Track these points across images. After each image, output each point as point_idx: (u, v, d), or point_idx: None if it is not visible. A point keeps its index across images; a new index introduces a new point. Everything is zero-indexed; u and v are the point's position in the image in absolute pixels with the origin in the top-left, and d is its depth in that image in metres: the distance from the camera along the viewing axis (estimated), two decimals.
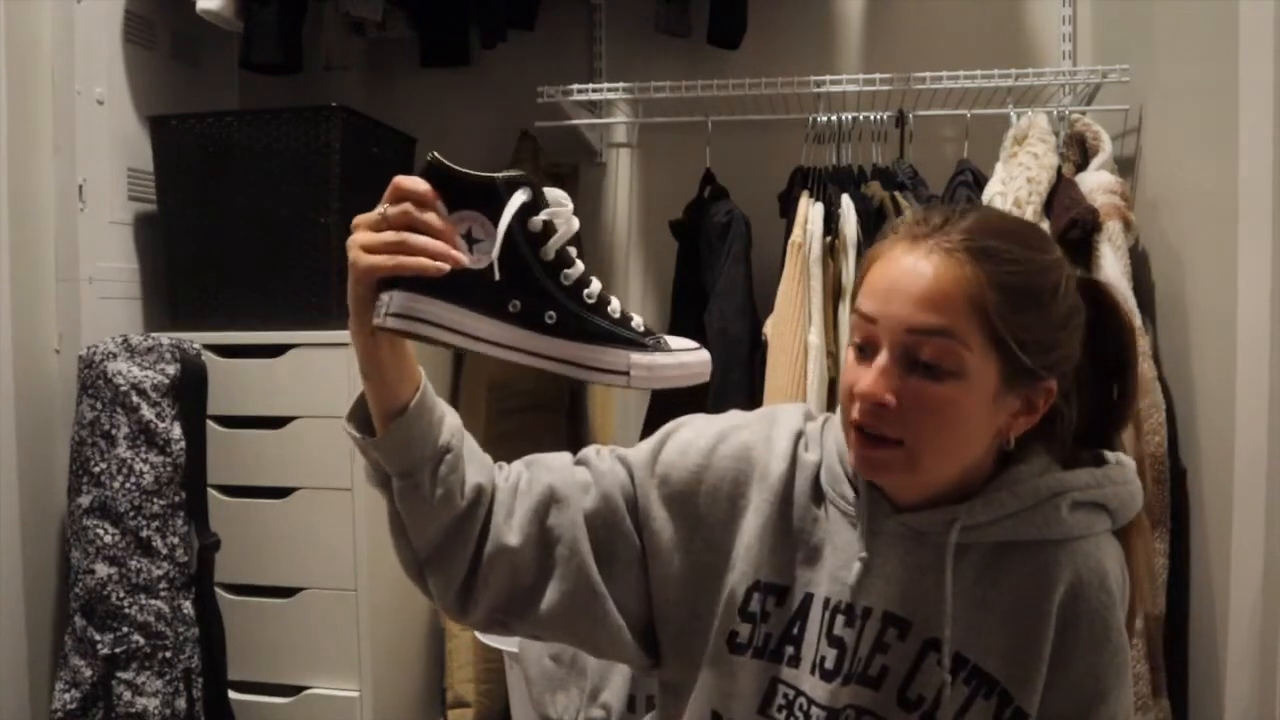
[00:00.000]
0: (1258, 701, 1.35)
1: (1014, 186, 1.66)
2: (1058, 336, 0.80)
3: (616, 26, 2.16)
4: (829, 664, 0.84)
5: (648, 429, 1.92)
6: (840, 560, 0.85)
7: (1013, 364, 0.78)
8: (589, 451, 0.93)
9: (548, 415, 2.07)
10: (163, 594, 1.63)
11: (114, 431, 1.62)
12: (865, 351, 0.81)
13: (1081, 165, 1.80)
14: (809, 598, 0.86)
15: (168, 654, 1.62)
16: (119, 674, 1.60)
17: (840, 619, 0.84)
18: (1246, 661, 1.36)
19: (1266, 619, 1.33)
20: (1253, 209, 1.36)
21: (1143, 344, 1.58)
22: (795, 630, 0.86)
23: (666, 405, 1.93)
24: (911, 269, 0.78)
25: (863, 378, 0.79)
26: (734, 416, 0.94)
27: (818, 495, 0.89)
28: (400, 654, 1.91)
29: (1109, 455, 0.88)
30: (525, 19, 2.11)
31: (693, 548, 0.88)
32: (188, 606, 1.66)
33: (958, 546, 0.82)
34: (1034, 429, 0.83)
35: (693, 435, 0.91)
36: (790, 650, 0.86)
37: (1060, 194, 1.67)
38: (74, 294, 1.72)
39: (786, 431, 0.91)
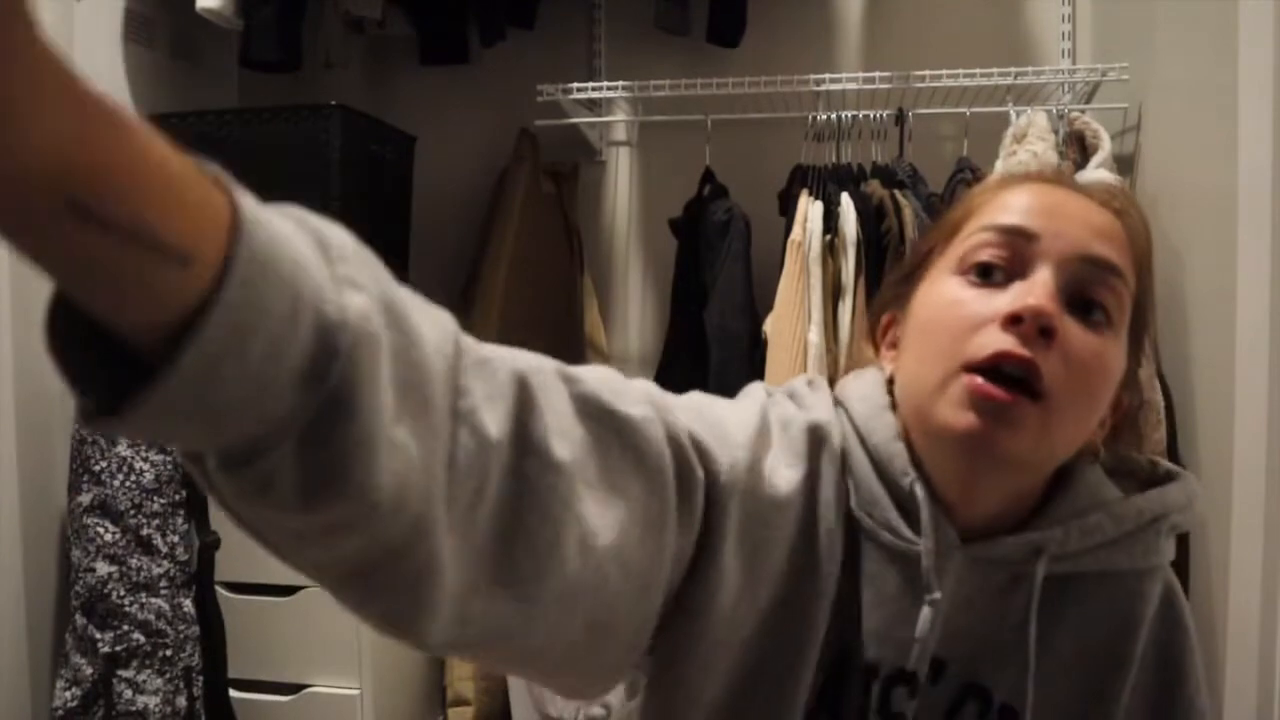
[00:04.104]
0: (1257, 701, 1.35)
1: None
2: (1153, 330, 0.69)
3: (616, 24, 2.16)
4: None
5: None
6: (889, 611, 0.64)
7: (1135, 350, 0.65)
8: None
9: None
10: (163, 592, 1.63)
11: None
12: (994, 280, 0.61)
13: (1081, 164, 1.79)
14: (835, 661, 0.65)
15: (168, 652, 1.62)
16: (120, 672, 1.60)
17: (900, 691, 0.63)
18: (1246, 661, 1.36)
19: (1266, 619, 1.33)
20: (1252, 207, 1.36)
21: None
22: (814, 704, 0.65)
23: None
24: (1077, 199, 0.63)
25: (1021, 294, 0.58)
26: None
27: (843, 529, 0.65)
28: (400, 652, 1.91)
29: (1166, 464, 0.72)
30: (524, 17, 2.10)
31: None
32: (188, 605, 1.66)
33: (1014, 576, 0.63)
34: None
35: None
36: None
37: None
38: None
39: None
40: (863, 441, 0.65)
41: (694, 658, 0.60)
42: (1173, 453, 1.57)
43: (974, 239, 0.62)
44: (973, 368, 0.58)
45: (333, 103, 1.76)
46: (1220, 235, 1.41)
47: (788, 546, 0.62)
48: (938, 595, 0.62)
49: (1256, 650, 1.35)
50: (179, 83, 2.03)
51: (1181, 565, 1.55)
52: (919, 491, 0.62)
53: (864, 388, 0.68)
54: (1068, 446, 0.62)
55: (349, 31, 2.14)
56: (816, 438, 0.64)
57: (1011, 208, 0.63)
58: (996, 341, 0.58)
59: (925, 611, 0.62)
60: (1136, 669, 0.64)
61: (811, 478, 0.63)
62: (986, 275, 0.61)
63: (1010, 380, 0.57)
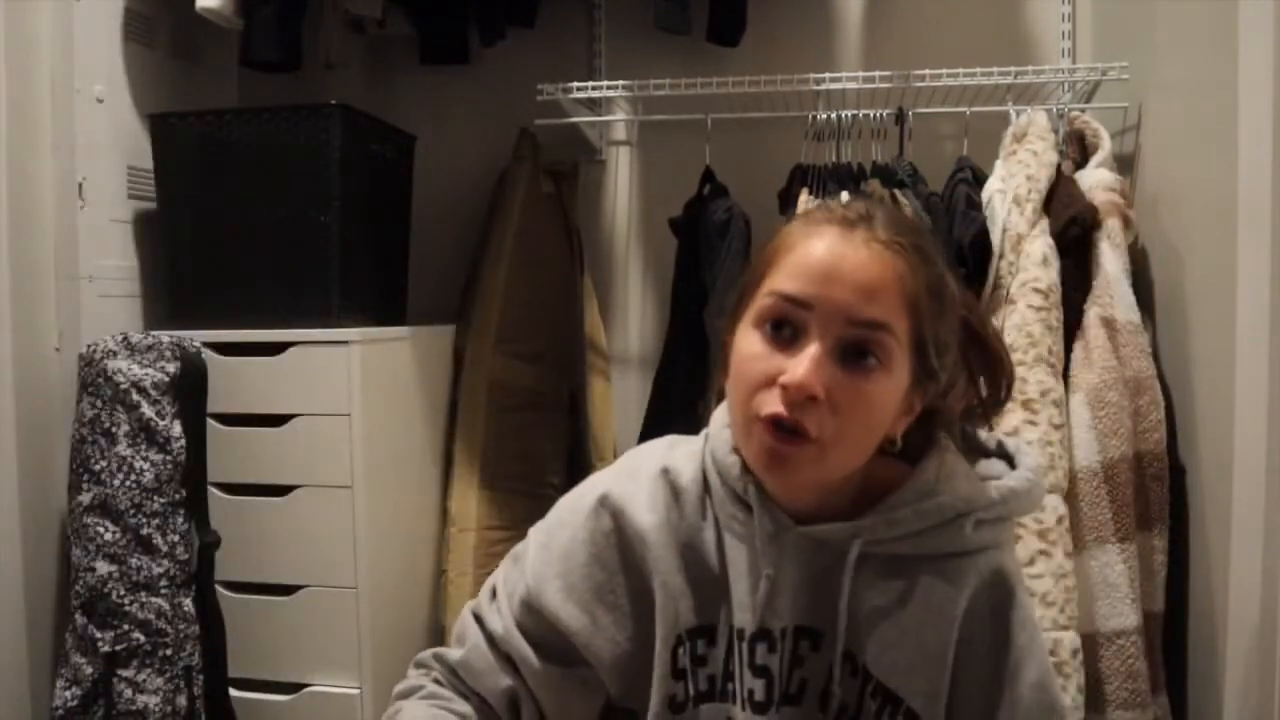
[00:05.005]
0: (1256, 698, 1.35)
1: (1013, 184, 1.66)
2: (952, 341, 0.80)
3: (616, 24, 2.16)
4: (759, 696, 0.81)
5: (646, 431, 1.92)
6: (745, 585, 0.82)
7: (924, 367, 0.77)
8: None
9: (548, 414, 2.07)
10: (163, 592, 1.63)
11: (114, 429, 1.63)
12: (783, 335, 0.75)
13: (1081, 163, 1.80)
14: (731, 630, 0.83)
15: (168, 651, 1.62)
16: (120, 671, 1.60)
17: (761, 647, 0.81)
18: (1245, 658, 1.36)
19: (1265, 617, 1.33)
20: (1252, 206, 1.36)
21: (1142, 341, 1.58)
22: (730, 666, 0.83)
23: (667, 404, 1.93)
24: (853, 255, 0.75)
25: (792, 367, 0.73)
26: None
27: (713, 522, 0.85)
28: (400, 651, 1.91)
29: (1011, 446, 0.86)
30: (525, 16, 2.10)
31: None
32: (188, 604, 1.66)
33: (859, 555, 0.79)
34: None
35: None
36: (732, 686, 0.83)
37: (1059, 191, 1.67)
38: (74, 292, 1.72)
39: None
40: (712, 455, 0.85)
41: (613, 670, 0.86)
42: (1173, 453, 1.57)
43: (764, 302, 0.77)
44: (760, 419, 0.74)
45: (333, 102, 1.76)
46: (1220, 235, 1.41)
47: (618, 569, 0.85)
48: (770, 571, 0.80)
49: (1257, 650, 1.35)
50: (179, 82, 2.03)
51: (1181, 565, 1.55)
52: (751, 490, 0.81)
53: (719, 412, 0.86)
54: (851, 461, 0.78)
55: (349, 31, 2.14)
56: (608, 502, 0.87)
57: (798, 270, 0.76)
58: (772, 404, 0.73)
59: (762, 583, 0.80)
60: (963, 627, 0.78)
61: (611, 517, 0.86)
62: (778, 329, 0.76)
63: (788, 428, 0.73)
